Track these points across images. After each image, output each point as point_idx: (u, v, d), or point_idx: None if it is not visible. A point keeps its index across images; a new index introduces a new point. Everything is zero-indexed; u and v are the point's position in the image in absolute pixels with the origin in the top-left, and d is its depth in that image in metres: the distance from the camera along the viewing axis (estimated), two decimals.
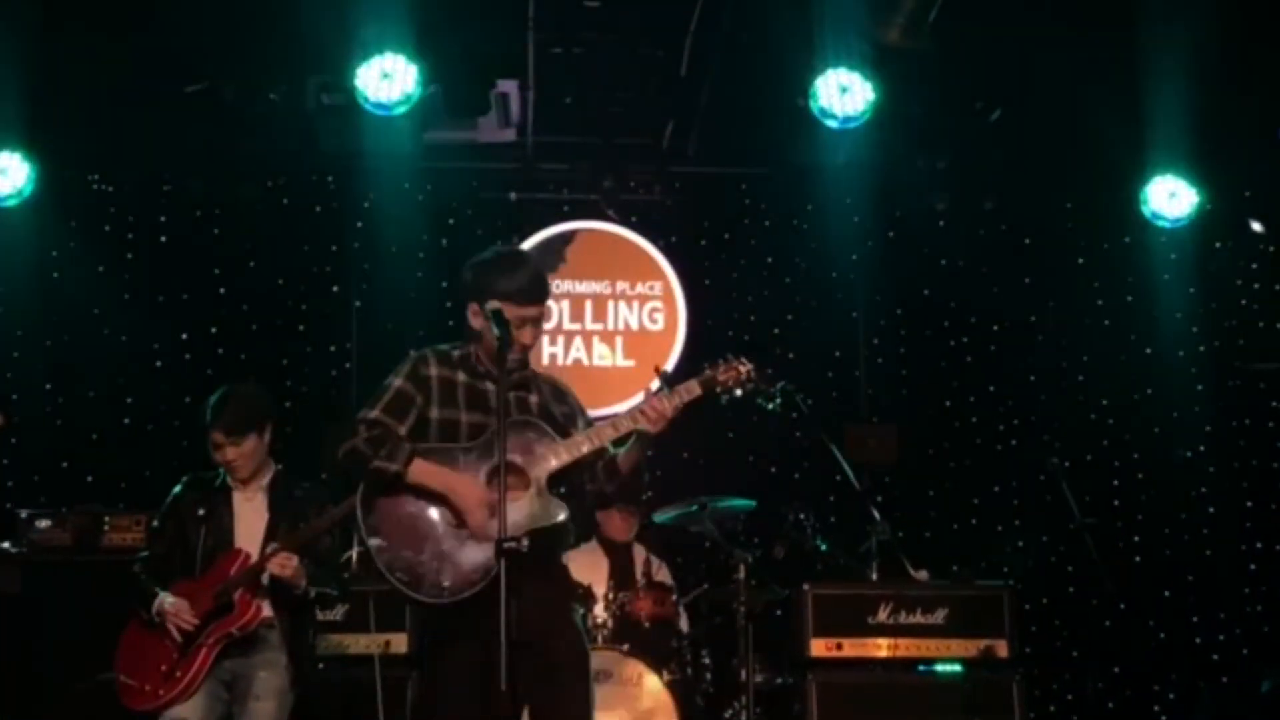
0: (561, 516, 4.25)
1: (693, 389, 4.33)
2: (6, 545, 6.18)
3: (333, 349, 7.94)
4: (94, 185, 7.95)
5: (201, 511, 5.14)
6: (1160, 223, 7.71)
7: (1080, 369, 8.11)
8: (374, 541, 4.24)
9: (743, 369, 4.41)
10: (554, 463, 4.25)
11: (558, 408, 4.51)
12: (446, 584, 4.12)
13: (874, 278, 8.17)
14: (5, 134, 7.31)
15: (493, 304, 4.27)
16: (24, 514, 6.25)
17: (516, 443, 4.24)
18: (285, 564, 4.98)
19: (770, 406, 4.54)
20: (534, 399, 4.46)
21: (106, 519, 6.20)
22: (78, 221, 7.86)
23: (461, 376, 4.40)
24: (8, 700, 5.90)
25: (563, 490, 4.32)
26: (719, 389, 4.39)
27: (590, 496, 4.54)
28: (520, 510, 4.15)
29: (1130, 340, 8.10)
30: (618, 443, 4.36)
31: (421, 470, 4.23)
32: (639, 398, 7.31)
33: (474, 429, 4.34)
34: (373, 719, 5.64)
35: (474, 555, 4.09)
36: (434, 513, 4.22)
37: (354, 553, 6.03)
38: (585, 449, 4.30)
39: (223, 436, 5.09)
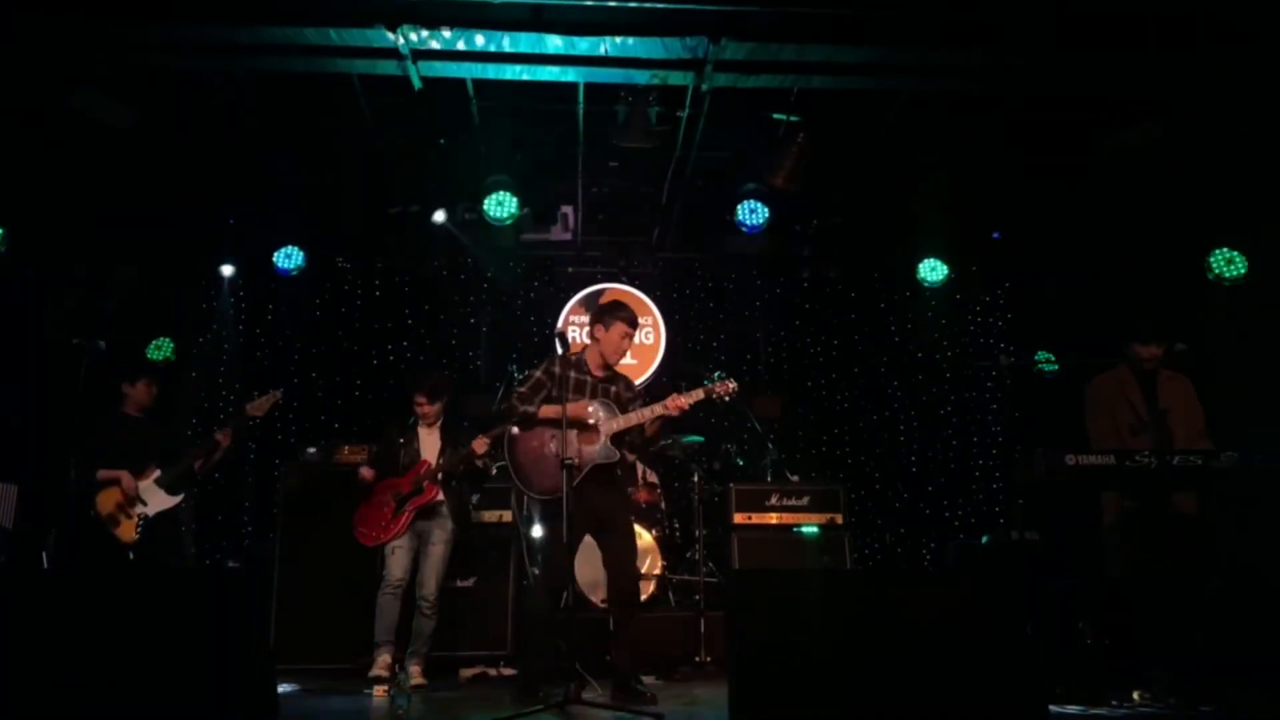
0: (615, 458, 4.23)
1: (699, 394, 4.17)
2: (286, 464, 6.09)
3: (470, 354, 7.84)
4: (338, 264, 7.88)
5: (402, 440, 5.12)
6: (927, 284, 7.58)
7: (883, 365, 8.04)
8: (512, 459, 4.26)
9: (732, 385, 4.18)
10: (616, 426, 4.21)
11: (625, 395, 4.40)
12: (549, 486, 4.13)
13: (768, 315, 8.08)
14: (289, 235, 7.21)
15: (607, 327, 4.27)
16: (299, 446, 6.19)
17: (597, 412, 4.24)
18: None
19: (726, 403, 4.32)
20: (614, 388, 4.38)
21: (344, 448, 6.11)
22: (330, 284, 7.82)
23: (573, 373, 4.32)
24: (297, 544, 5.69)
25: (623, 442, 4.28)
26: (715, 396, 4.18)
27: (627, 447, 4.44)
28: (595, 451, 4.21)
29: (909, 349, 8.04)
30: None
31: (547, 410, 4.21)
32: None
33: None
34: (499, 559, 5.54)
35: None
36: (546, 449, 4.21)
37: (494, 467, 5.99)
38: (635, 421, 4.23)
39: (424, 398, 5.06)
